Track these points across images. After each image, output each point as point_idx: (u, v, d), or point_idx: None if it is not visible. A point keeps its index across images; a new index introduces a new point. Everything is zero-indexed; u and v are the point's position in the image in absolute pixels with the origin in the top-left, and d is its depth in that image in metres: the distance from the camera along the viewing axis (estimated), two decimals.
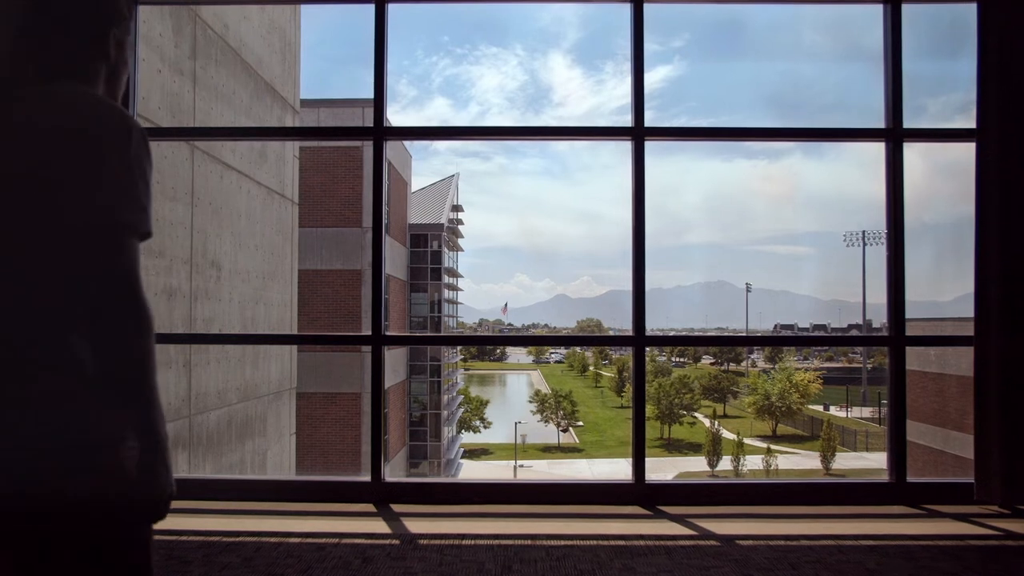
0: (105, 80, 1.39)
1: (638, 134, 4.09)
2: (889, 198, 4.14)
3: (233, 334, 7.62)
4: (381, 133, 4.10)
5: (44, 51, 1.29)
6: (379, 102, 4.07)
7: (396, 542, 3.24)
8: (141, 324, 1.21)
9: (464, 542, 3.22)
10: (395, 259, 31.54)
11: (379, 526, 3.49)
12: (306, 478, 4.46)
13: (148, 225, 1.26)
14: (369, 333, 4.04)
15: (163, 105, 6.21)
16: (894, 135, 4.13)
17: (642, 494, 3.97)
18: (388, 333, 4.20)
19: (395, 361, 29.37)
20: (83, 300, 1.17)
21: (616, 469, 34.10)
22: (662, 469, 32.46)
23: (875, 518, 3.72)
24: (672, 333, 17.31)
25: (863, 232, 56.30)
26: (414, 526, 3.48)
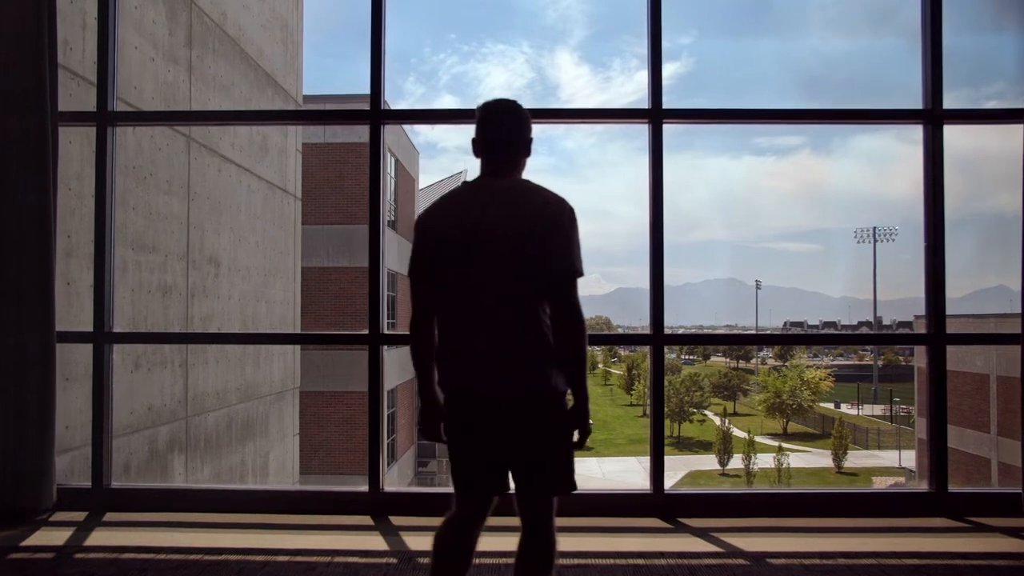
0: (522, 168, 2.19)
1: (656, 117, 3.79)
2: (927, 186, 3.82)
3: (225, 333, 7.33)
4: (379, 116, 3.82)
5: (512, 159, 2.13)
6: (376, 84, 3.79)
7: (393, 560, 2.96)
8: (583, 331, 1.98)
9: None
10: (404, 257, 31.20)
11: (376, 542, 3.21)
12: (300, 488, 4.20)
13: (583, 270, 2.01)
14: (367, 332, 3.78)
15: (157, 95, 5.94)
16: (933, 116, 3.81)
17: (661, 505, 3.68)
18: (387, 332, 3.94)
19: (404, 358, 29.02)
20: (550, 313, 1.98)
21: (626, 468, 33.69)
22: (672, 467, 32.02)
23: (916, 532, 3.42)
24: (682, 331, 16.93)
25: (874, 228, 55.69)
26: (413, 542, 3.20)
